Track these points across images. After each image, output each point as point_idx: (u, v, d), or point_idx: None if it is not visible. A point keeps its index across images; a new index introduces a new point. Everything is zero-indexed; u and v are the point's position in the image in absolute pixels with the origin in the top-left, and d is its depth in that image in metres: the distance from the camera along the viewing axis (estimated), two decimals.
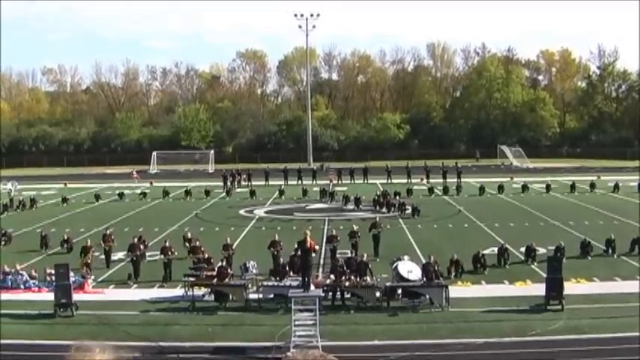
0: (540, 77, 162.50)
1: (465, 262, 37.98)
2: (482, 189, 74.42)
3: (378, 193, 68.12)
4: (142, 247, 40.11)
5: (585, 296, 32.68)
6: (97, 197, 72.93)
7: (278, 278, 33.11)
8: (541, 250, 41.83)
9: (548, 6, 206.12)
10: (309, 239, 29.43)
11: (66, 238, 46.27)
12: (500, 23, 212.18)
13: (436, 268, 33.13)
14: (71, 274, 32.77)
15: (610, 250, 42.33)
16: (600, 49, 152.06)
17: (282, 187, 77.73)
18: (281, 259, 35.76)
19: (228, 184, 79.74)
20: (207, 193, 74.93)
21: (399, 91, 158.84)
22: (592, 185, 75.66)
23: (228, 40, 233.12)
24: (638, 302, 30.64)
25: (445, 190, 75.15)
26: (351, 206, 65.32)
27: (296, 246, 31.63)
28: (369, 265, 34.04)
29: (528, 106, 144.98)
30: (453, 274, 36.72)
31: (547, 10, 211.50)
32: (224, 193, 76.15)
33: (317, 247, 32.99)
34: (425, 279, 31.96)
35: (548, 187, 74.95)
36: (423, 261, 36.28)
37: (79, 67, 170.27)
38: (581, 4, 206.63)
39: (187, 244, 41.32)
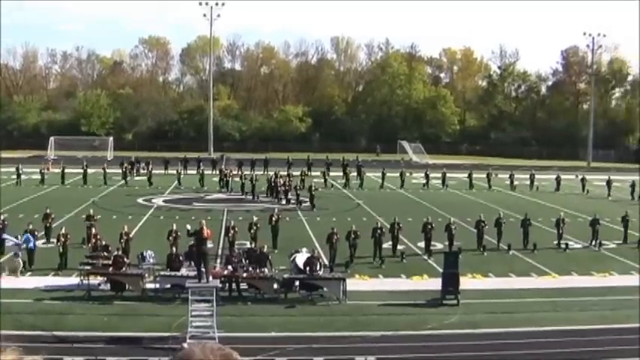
0: (442, 75, 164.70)
1: (362, 252, 38.54)
2: (382, 183, 75.51)
3: (270, 177, 68.61)
4: (36, 233, 39.38)
5: (481, 291, 33.38)
6: None
7: (174, 269, 32.83)
8: (438, 246, 42.59)
9: (451, 5, 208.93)
10: (205, 229, 29.29)
11: None
12: (404, 20, 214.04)
13: (320, 261, 33.55)
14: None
15: (507, 247, 43.56)
16: (502, 50, 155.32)
17: (182, 175, 77.49)
18: (174, 249, 35.19)
19: (127, 171, 78.66)
20: (105, 180, 73.98)
21: (302, 84, 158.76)
22: (489, 182, 77.32)
23: (130, 25, 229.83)
24: (534, 298, 31.50)
25: (345, 184, 75.95)
26: (249, 196, 65.64)
27: (190, 230, 31.00)
28: (269, 257, 34.10)
29: (430, 103, 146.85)
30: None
31: (450, 9, 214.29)
32: (122, 181, 75.34)
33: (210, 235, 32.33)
34: (309, 271, 32.17)
35: (444, 183, 76.61)
36: (322, 254, 36.73)
37: None
38: (483, 4, 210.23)
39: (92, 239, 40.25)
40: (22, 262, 35.85)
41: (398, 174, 77.17)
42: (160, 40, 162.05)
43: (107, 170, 76.15)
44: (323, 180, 75.90)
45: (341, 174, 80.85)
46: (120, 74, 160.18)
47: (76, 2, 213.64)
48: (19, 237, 37.65)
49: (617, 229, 48.84)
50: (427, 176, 77.70)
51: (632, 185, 71.28)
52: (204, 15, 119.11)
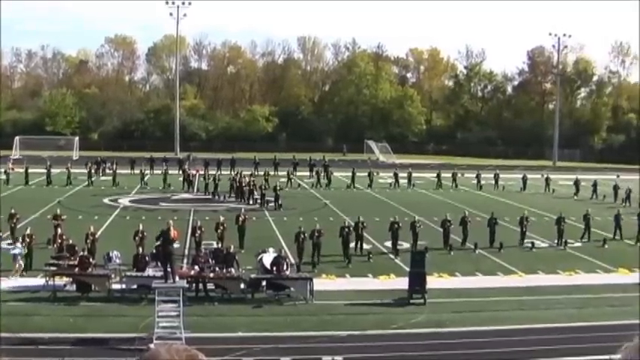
0: (409, 75, 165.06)
1: (329, 251, 38.63)
2: (351, 183, 75.68)
3: (233, 177, 68.69)
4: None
5: (447, 290, 33.53)
6: None
7: (140, 269, 32.65)
8: (405, 245, 42.69)
9: (417, 5, 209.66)
10: (172, 229, 29.17)
11: None
12: (371, 20, 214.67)
13: (287, 261, 33.61)
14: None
15: (474, 246, 43.77)
16: (468, 50, 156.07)
17: (146, 175, 76.95)
18: (140, 249, 34.97)
19: (92, 171, 77.96)
20: (69, 180, 73.41)
21: (269, 84, 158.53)
22: (455, 182, 77.66)
23: (96, 24, 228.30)
24: (498, 297, 31.68)
25: (314, 184, 75.95)
26: (215, 196, 65.53)
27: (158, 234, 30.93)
28: (236, 257, 34.01)
29: (396, 102, 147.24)
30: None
31: (416, 9, 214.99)
32: (87, 181, 74.73)
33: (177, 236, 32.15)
34: (276, 271, 32.16)
35: (410, 182, 77.13)
36: (289, 253, 36.74)
37: None
38: (449, 5, 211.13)
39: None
40: (22, 264, 35.60)
41: (366, 174, 77.40)
42: (126, 40, 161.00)
43: (72, 170, 75.56)
44: (287, 179, 75.66)
45: (307, 174, 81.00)
46: (86, 73, 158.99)
47: (41, 1, 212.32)
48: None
49: (582, 227, 49.17)
50: (396, 176, 77.92)
51: (594, 185, 71.88)
52: (171, 14, 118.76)
